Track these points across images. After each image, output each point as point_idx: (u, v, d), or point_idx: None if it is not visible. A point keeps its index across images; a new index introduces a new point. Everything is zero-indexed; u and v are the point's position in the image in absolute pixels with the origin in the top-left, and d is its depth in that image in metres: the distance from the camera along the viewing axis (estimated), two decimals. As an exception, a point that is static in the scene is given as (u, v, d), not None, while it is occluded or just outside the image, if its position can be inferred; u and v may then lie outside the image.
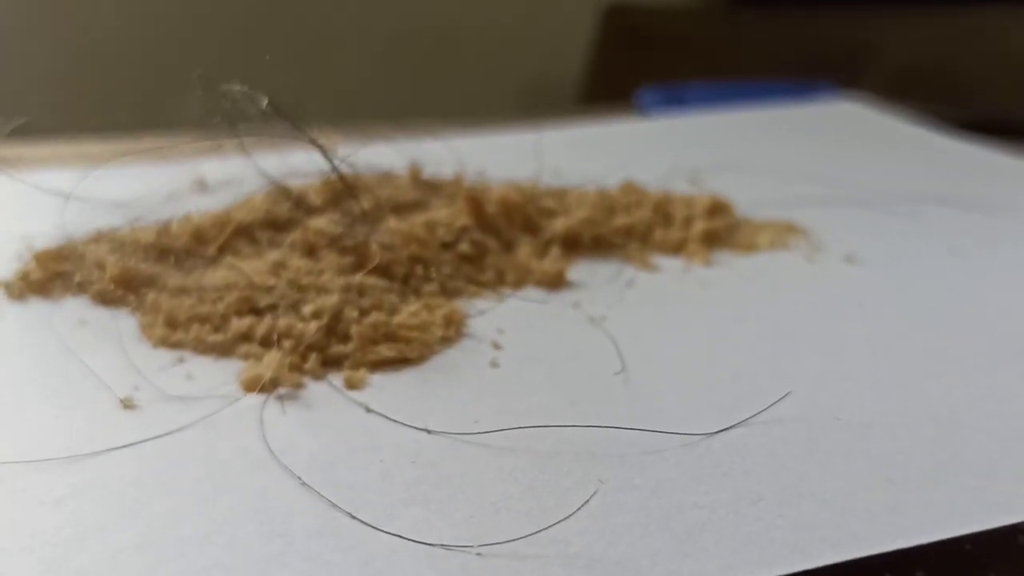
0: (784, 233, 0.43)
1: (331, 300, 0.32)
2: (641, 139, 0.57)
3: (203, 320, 0.33)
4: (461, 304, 0.35)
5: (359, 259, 0.36)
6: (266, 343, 0.32)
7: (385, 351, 0.31)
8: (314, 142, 0.37)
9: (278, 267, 0.35)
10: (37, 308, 0.34)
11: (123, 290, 0.35)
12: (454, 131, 0.56)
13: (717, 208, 0.43)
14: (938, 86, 0.91)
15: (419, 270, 0.36)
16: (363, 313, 0.32)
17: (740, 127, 0.60)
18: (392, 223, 0.38)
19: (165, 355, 0.32)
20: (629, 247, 0.41)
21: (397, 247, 0.36)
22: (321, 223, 0.38)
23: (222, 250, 0.38)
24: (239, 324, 0.32)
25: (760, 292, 0.37)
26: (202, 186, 0.45)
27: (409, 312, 0.33)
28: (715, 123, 0.60)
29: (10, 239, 0.39)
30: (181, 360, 0.31)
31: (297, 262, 0.36)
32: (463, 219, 0.39)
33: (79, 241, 0.38)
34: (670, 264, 0.40)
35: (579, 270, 0.39)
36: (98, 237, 0.39)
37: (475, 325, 0.34)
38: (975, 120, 0.66)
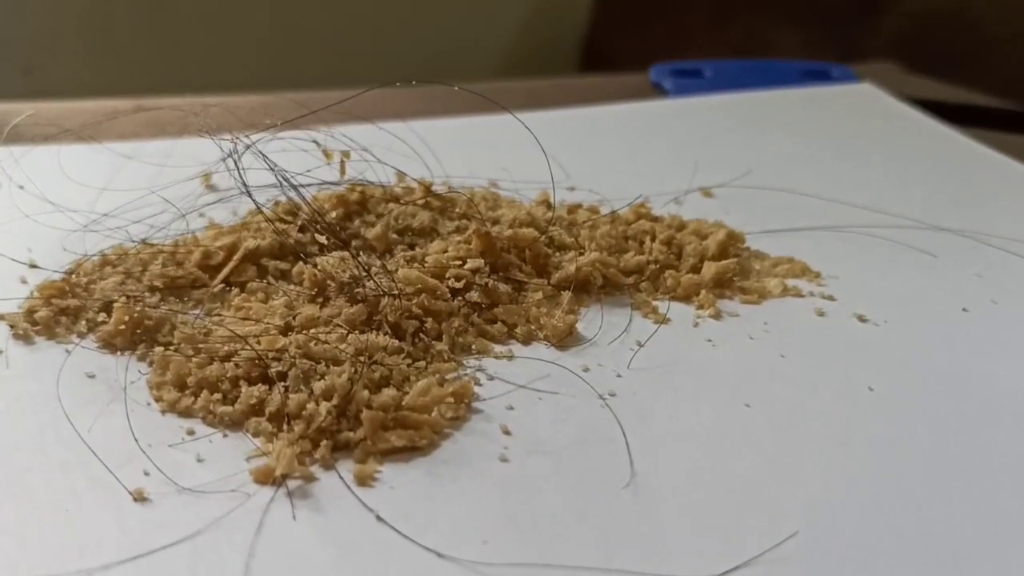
0: (795, 275, 0.43)
1: (341, 379, 0.32)
2: (654, 126, 0.56)
3: (212, 387, 0.32)
4: (471, 367, 0.35)
5: (369, 311, 0.36)
6: (276, 419, 0.32)
7: (395, 440, 0.31)
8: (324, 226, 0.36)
9: (287, 318, 0.35)
10: (43, 353, 0.34)
11: (130, 339, 0.35)
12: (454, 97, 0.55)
13: (729, 241, 0.43)
14: (956, 34, 0.89)
15: (429, 323, 0.36)
16: (373, 390, 0.32)
17: (755, 115, 0.59)
18: (401, 270, 0.37)
19: (174, 424, 0.32)
20: (639, 290, 0.40)
21: (407, 294, 0.36)
22: (329, 263, 0.37)
23: (229, 281, 0.38)
24: (248, 394, 0.32)
25: (768, 361, 0.37)
26: (209, 185, 0.44)
27: (419, 389, 0.33)
28: (729, 109, 0.59)
29: (15, 251, 0.39)
30: (191, 433, 0.31)
31: (307, 310, 0.35)
32: (473, 259, 0.38)
33: (85, 267, 0.38)
34: (680, 313, 0.39)
35: (589, 319, 0.38)
36: (104, 262, 0.38)
37: (485, 401, 0.34)
38: (989, 106, 0.65)
